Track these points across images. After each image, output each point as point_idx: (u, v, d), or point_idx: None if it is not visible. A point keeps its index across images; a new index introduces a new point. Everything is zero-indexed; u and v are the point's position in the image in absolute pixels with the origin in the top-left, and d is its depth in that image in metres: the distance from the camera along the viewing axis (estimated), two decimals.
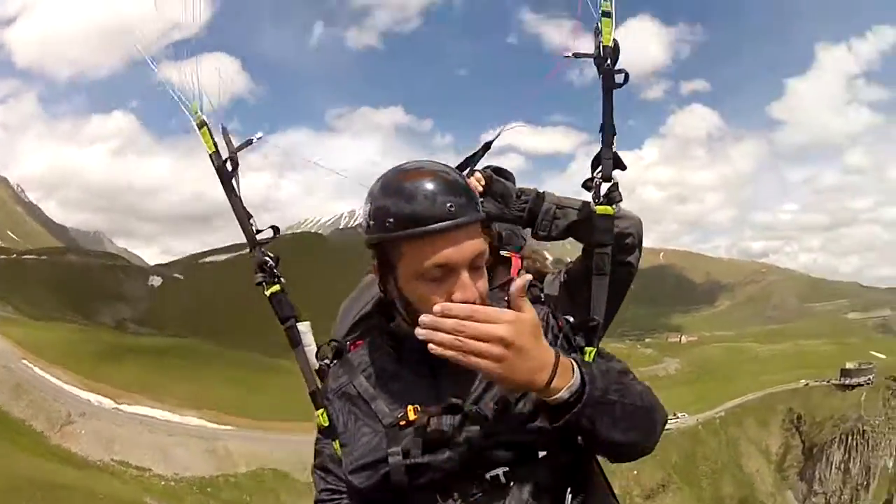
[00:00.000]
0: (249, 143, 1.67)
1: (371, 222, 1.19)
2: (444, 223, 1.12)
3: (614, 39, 1.54)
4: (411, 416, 1.22)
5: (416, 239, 1.13)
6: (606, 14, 1.53)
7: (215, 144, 1.65)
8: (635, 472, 50.98)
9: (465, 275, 1.15)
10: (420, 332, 1.06)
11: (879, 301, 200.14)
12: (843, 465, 55.26)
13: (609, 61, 1.53)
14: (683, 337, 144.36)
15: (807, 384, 66.21)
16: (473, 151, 1.74)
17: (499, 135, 1.74)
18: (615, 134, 1.55)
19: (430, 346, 1.04)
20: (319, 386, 1.47)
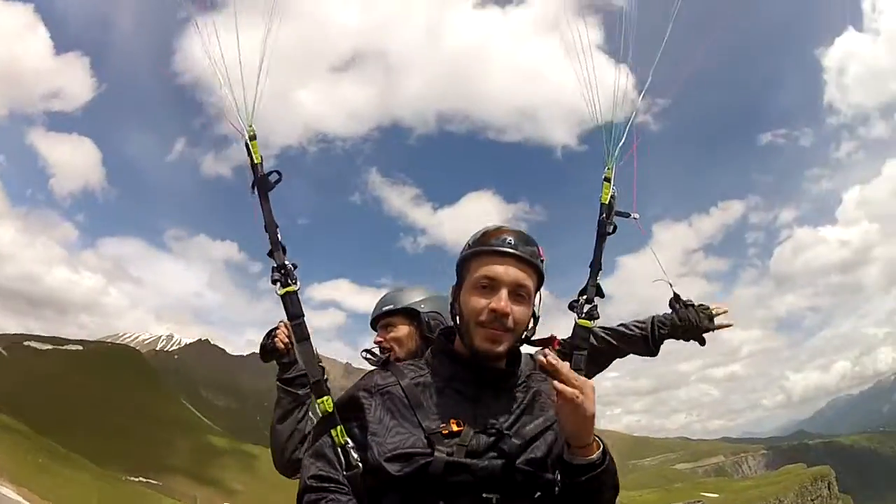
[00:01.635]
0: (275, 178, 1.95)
1: (463, 250, 1.63)
2: (500, 248, 1.55)
3: (610, 197, 2.07)
4: (454, 428, 1.46)
5: (478, 256, 1.56)
6: (607, 179, 2.09)
7: (261, 157, 1.95)
8: None
9: (504, 292, 1.51)
10: (540, 357, 1.36)
11: (711, 450, 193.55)
12: None
13: (605, 214, 2.06)
14: None
15: None
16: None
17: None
18: (601, 270, 2.04)
19: (539, 356, 1.36)
20: (322, 378, 1.83)
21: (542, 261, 1.60)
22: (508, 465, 1.43)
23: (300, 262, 1.91)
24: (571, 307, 2.05)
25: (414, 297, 2.46)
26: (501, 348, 1.53)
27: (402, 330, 2.43)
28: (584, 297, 2.04)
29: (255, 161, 1.94)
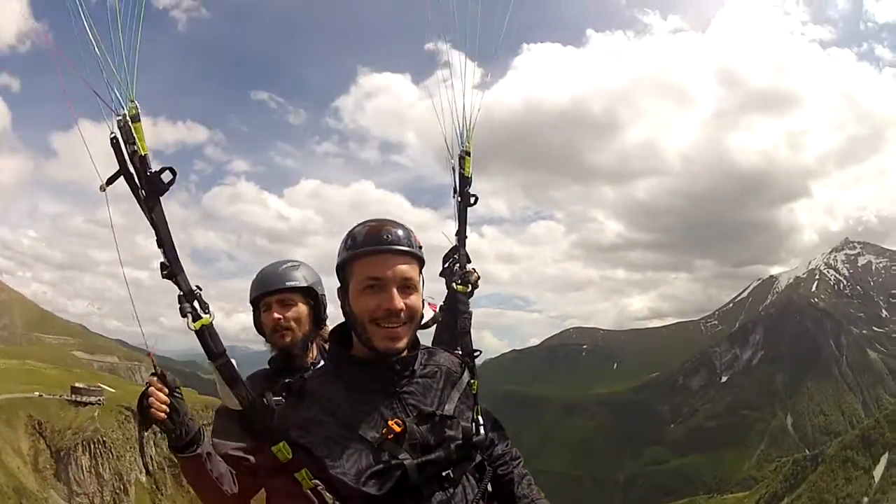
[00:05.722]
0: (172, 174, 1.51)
1: (341, 252, 1.59)
2: (378, 246, 1.54)
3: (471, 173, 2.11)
4: (396, 429, 1.50)
5: (360, 257, 1.55)
6: (468, 153, 2.10)
7: (146, 148, 1.39)
8: None
9: (394, 290, 1.53)
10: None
11: (107, 348, 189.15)
12: (94, 471, 59.96)
13: (468, 187, 2.07)
14: None
15: (41, 395, 66.92)
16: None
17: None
18: (466, 238, 2.11)
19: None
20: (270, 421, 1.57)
21: (419, 248, 1.62)
22: (464, 445, 1.57)
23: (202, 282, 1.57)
24: (443, 274, 2.14)
25: (311, 275, 2.34)
26: (402, 343, 1.56)
27: (303, 310, 2.27)
28: (457, 264, 2.11)
29: (141, 152, 1.40)
